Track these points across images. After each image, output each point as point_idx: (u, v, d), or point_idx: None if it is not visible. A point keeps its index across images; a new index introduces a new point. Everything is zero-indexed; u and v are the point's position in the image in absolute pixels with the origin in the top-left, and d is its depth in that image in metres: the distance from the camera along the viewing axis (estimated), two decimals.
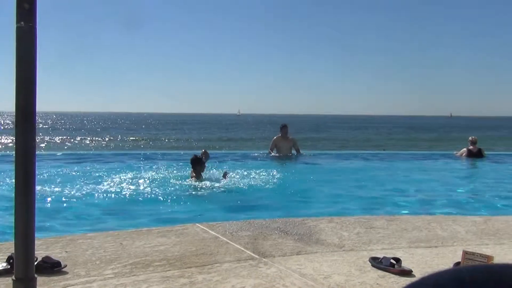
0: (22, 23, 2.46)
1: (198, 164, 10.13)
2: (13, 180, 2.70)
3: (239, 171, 11.66)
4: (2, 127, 57.09)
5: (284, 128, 15.04)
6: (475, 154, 14.98)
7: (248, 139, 37.63)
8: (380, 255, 4.12)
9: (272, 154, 14.90)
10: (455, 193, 9.75)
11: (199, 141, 34.26)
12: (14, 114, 2.62)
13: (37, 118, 2.70)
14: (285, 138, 15.08)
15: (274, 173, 11.62)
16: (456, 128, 63.72)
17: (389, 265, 3.89)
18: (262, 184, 10.14)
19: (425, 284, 0.43)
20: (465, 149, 15.27)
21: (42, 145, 29.90)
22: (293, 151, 15.19)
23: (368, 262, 4.05)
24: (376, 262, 3.99)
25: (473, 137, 15.61)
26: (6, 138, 33.53)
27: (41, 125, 62.04)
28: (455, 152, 15.80)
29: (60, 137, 39.48)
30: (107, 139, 38.18)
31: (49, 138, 37.09)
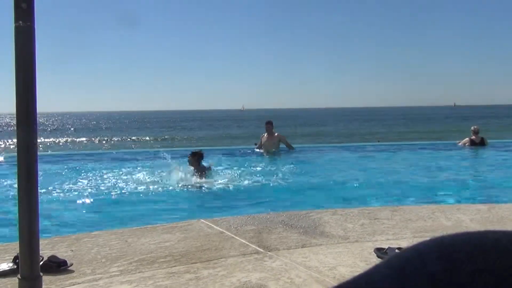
0: (20, 22, 2.47)
1: (195, 157, 10.20)
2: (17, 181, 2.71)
3: (241, 166, 11.70)
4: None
5: (266, 124, 14.54)
6: (478, 144, 15.04)
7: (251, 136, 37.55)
8: (385, 246, 4.12)
9: (257, 150, 14.58)
10: (459, 182, 9.74)
11: (202, 140, 34.29)
12: (15, 114, 2.62)
13: (38, 118, 2.71)
14: (270, 135, 14.47)
15: (277, 168, 11.65)
16: (460, 118, 63.57)
17: None
18: (265, 179, 10.14)
19: (409, 250, 0.44)
20: (467, 138, 15.34)
21: (46, 143, 29.98)
22: (281, 148, 14.58)
23: (373, 253, 4.05)
24: (381, 253, 4.00)
25: (475, 126, 15.65)
26: (5, 141, 33.60)
27: (45, 126, 62.09)
28: (458, 142, 15.84)
29: (63, 137, 39.56)
30: (109, 138, 38.22)
31: (52, 138, 37.17)
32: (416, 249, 0.44)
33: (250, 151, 14.81)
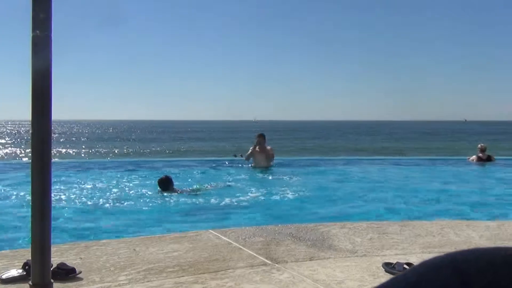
0: (38, 32, 2.51)
1: (166, 185, 9.83)
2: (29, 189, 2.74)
3: (249, 178, 11.75)
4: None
5: (258, 138, 13.90)
6: (485, 161, 15.30)
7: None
8: (393, 261, 4.11)
9: (245, 159, 13.99)
10: (468, 198, 9.70)
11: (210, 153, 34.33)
12: (30, 123, 2.65)
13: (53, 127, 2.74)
14: (262, 150, 13.78)
15: (286, 179, 11.67)
16: (469, 135, 63.18)
17: (402, 271, 3.88)
18: (274, 191, 10.15)
19: (424, 265, 0.47)
20: (475, 156, 15.59)
21: (59, 152, 30.15)
22: (272, 163, 13.96)
23: (381, 268, 4.04)
24: (389, 268, 3.99)
25: (482, 144, 15.92)
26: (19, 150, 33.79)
27: (59, 134, 62.35)
28: (468, 157, 16.00)
29: (75, 146, 39.75)
30: (119, 147, 38.35)
31: (66, 148, 37.36)
32: (430, 264, 0.47)
33: (240, 165, 14.21)
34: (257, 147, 13.88)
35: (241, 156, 14.45)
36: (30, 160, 2.66)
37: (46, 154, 2.61)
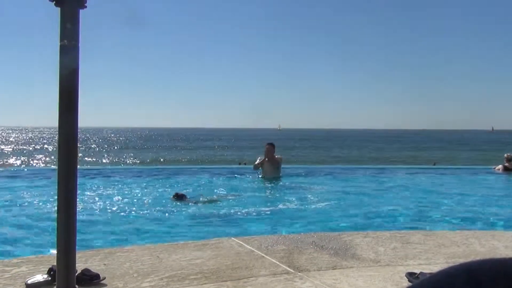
0: (65, 41, 2.56)
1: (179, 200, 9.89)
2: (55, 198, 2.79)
3: (261, 188, 11.79)
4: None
5: (268, 146, 13.36)
6: (511, 170, 15.17)
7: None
8: (417, 271, 4.08)
9: (253, 168, 13.52)
10: (494, 208, 9.56)
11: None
12: (58, 132, 2.70)
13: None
14: (271, 159, 13.21)
15: (308, 187, 11.64)
16: (497, 144, 62.19)
17: None
18: (297, 199, 10.13)
19: (439, 274, 0.48)
20: (501, 165, 15.48)
21: (88, 159, 30.53)
22: (281, 174, 13.50)
23: (405, 278, 4.01)
24: (413, 278, 3.95)
25: (508, 154, 15.79)
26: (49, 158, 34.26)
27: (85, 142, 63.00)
28: (493, 167, 15.89)
29: (98, 154, 40.19)
30: (140, 155, 38.67)
31: (91, 154, 37.81)
32: (446, 272, 0.48)
33: (249, 176, 13.77)
34: (265, 158, 13.31)
35: (245, 164, 14.11)
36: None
37: (72, 158, 2.65)
